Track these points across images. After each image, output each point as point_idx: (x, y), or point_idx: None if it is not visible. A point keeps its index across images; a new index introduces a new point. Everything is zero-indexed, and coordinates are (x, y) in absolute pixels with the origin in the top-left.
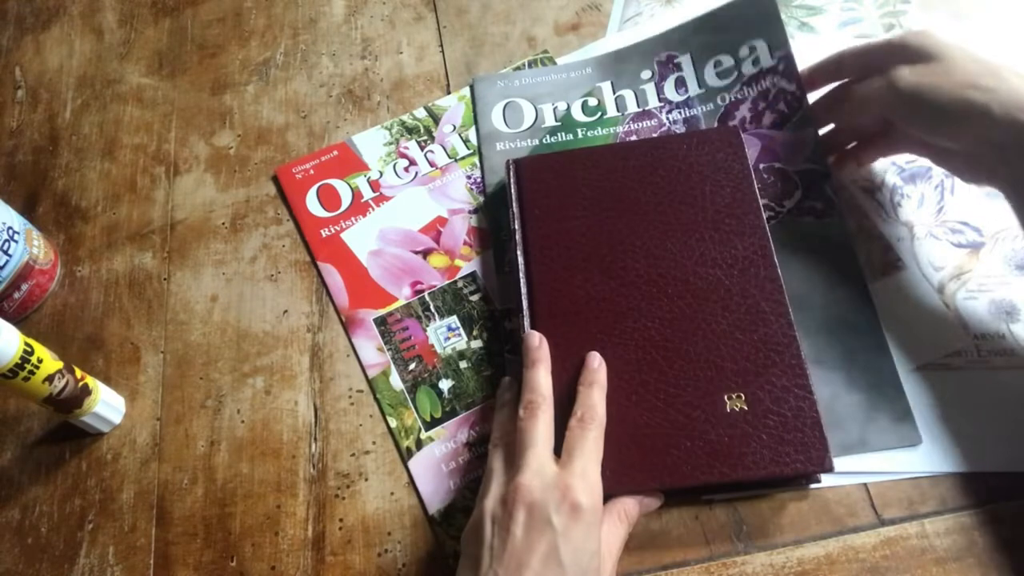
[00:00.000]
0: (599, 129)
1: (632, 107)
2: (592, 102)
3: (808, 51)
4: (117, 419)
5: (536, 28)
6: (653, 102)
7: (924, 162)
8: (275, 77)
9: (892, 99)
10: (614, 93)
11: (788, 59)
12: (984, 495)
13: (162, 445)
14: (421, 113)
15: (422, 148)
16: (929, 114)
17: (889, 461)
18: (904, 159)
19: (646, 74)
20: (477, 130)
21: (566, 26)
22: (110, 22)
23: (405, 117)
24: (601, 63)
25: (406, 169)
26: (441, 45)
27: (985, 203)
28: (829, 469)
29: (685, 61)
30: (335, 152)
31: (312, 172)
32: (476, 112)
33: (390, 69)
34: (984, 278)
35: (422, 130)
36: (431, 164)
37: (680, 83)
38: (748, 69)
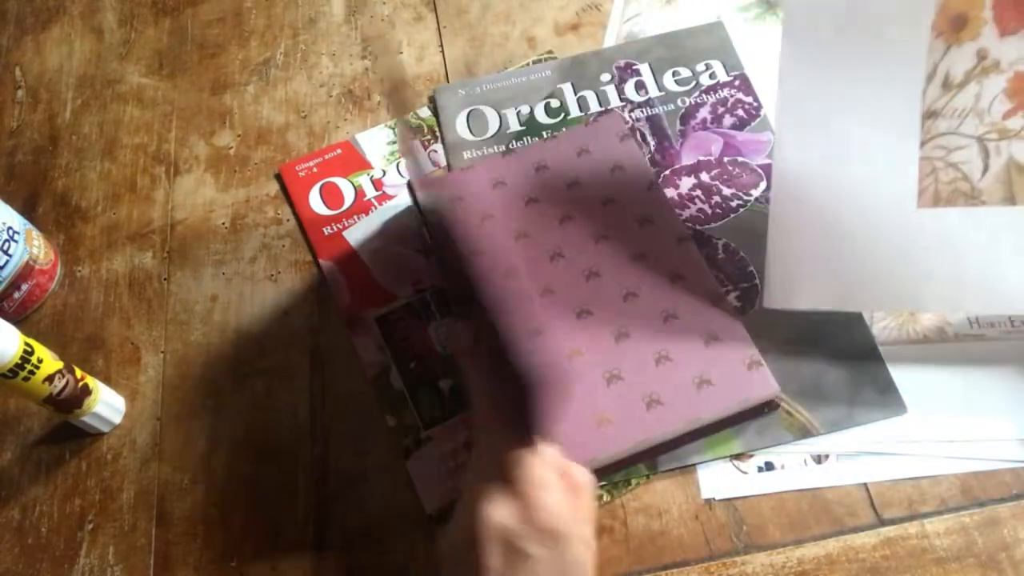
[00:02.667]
0: (564, 129)
1: (595, 107)
2: (555, 103)
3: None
4: (117, 419)
5: (536, 28)
6: (615, 102)
7: None
8: (275, 77)
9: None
10: (575, 94)
11: (743, 77)
12: (984, 495)
13: (162, 445)
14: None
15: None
16: None
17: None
18: None
19: (605, 77)
20: (443, 141)
21: (566, 26)
22: (110, 22)
23: (409, 116)
24: (560, 66)
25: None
26: (441, 45)
27: None
28: (776, 393)
29: (644, 69)
30: (338, 150)
31: (315, 170)
32: (440, 123)
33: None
34: None
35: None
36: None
37: (640, 86)
38: (705, 81)
